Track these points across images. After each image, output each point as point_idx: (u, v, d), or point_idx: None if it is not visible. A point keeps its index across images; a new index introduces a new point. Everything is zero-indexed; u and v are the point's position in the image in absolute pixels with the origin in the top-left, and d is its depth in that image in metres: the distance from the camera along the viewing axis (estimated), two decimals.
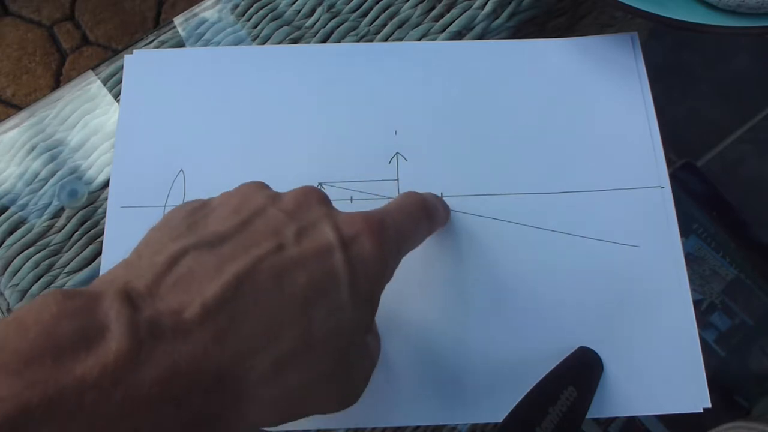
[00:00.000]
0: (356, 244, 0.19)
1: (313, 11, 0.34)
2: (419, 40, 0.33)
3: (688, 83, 0.33)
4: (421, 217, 0.24)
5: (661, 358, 0.26)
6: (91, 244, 0.30)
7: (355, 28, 0.33)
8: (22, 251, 0.29)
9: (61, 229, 0.30)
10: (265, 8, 0.34)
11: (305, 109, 0.31)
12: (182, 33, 0.33)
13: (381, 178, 0.29)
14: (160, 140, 0.30)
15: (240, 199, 0.20)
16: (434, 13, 0.33)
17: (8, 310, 0.29)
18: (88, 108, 0.32)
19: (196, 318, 0.15)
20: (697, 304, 0.28)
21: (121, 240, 0.28)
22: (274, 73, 0.31)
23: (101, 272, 0.28)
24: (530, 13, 0.34)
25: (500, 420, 0.23)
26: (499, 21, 0.33)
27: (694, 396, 0.26)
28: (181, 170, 0.30)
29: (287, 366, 0.17)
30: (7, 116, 0.32)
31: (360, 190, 0.29)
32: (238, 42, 0.33)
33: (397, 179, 0.29)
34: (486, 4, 0.33)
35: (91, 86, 0.33)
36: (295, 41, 0.33)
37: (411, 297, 0.27)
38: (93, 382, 0.13)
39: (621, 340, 0.27)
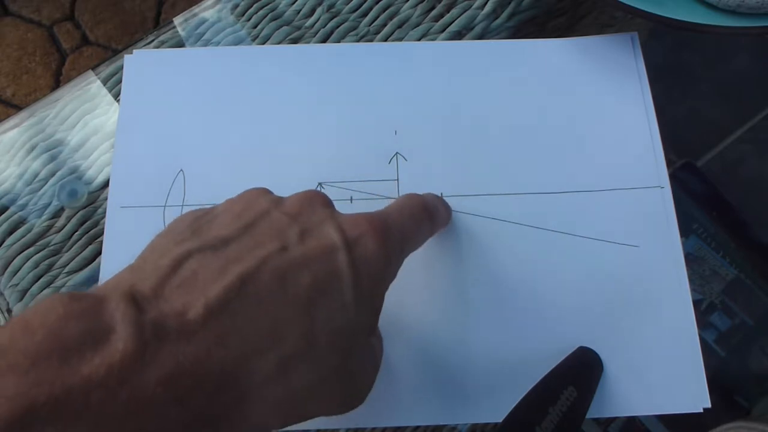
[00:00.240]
0: (360, 245, 0.19)
1: (313, 11, 0.34)
2: (419, 40, 0.33)
3: (688, 83, 0.33)
4: (423, 218, 0.24)
5: (661, 358, 0.26)
6: (90, 244, 0.30)
7: (355, 28, 0.33)
8: (22, 251, 0.29)
9: (61, 229, 0.30)
10: (265, 8, 0.34)
11: (305, 109, 0.31)
12: (182, 33, 0.33)
13: (381, 178, 0.29)
14: (160, 140, 0.30)
15: (243, 204, 0.20)
16: (434, 13, 0.33)
17: (8, 310, 0.29)
18: (88, 108, 0.32)
19: (200, 319, 0.15)
20: (697, 304, 0.28)
21: (120, 240, 0.28)
22: (274, 73, 0.31)
23: (101, 272, 0.28)
24: (530, 13, 0.34)
25: (500, 420, 0.23)
26: (499, 21, 0.33)
27: (694, 396, 0.26)
28: (181, 170, 0.30)
29: (291, 367, 0.17)
30: (7, 116, 0.32)
31: (360, 190, 0.29)
32: (237, 42, 0.33)
33: (397, 179, 0.29)
34: (486, 4, 0.33)
35: (91, 86, 0.33)
36: (295, 41, 0.33)
37: (411, 297, 0.27)
38: (99, 382, 0.13)
39: (621, 340, 0.27)
